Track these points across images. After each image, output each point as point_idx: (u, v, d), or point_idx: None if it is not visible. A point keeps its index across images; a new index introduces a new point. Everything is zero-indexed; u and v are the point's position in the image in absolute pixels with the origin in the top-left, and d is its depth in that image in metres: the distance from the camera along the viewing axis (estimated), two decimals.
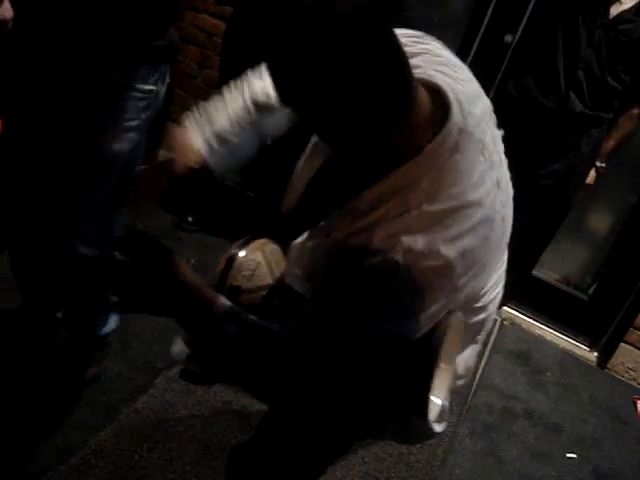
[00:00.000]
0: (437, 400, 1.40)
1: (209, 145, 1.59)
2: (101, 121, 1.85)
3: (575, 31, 2.99)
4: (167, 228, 3.48)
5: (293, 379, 1.30)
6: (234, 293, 1.47)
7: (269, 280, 1.51)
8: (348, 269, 1.23)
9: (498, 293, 1.51)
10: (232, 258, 1.48)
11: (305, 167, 1.49)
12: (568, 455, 3.01)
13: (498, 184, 1.33)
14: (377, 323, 1.22)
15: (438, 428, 1.59)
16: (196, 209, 3.60)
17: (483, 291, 1.40)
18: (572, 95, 3.06)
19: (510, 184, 1.43)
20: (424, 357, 1.30)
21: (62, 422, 2.27)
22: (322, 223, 1.36)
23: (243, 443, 2.41)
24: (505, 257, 1.51)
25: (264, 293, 1.49)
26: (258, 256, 1.51)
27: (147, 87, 1.88)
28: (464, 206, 1.22)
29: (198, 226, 3.58)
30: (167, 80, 1.97)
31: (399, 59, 1.14)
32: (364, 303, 1.21)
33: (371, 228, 1.23)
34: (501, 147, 1.41)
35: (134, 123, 1.92)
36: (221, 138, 1.58)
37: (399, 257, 1.18)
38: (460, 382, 1.62)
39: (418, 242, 1.19)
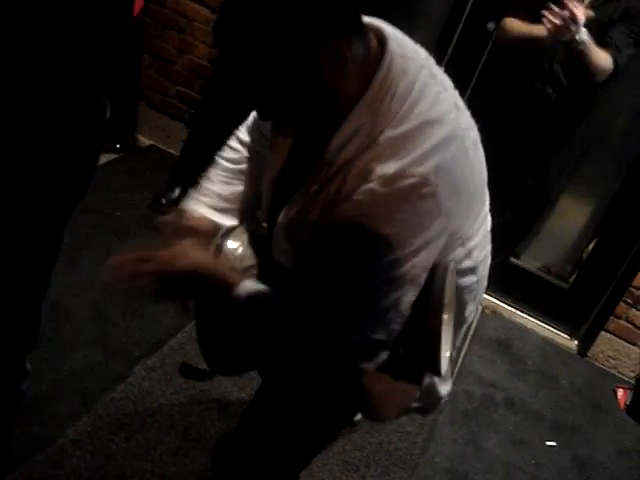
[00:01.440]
0: (446, 352, 1.39)
1: (212, 208, 1.64)
2: None
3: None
4: (145, 216, 3.44)
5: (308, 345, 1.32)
6: None
7: (255, 259, 1.54)
8: (330, 218, 1.24)
9: (487, 256, 1.50)
10: (219, 247, 1.50)
11: (271, 162, 1.50)
12: (548, 443, 3.02)
13: (456, 105, 1.36)
14: (375, 265, 1.22)
15: (444, 390, 1.59)
16: (171, 190, 3.58)
17: (472, 243, 1.38)
18: (549, 89, 3.05)
19: (470, 115, 1.43)
20: (428, 307, 1.29)
21: (39, 411, 2.24)
22: (303, 187, 1.36)
23: (223, 431, 2.40)
24: (488, 213, 1.50)
25: (255, 271, 1.51)
26: (244, 238, 1.55)
27: None
28: (427, 124, 1.24)
29: (173, 207, 3.54)
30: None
31: None
32: (355, 248, 1.22)
33: (345, 168, 1.24)
34: (450, 82, 1.42)
35: None
36: (219, 197, 1.64)
37: (374, 185, 1.19)
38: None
39: (390, 166, 1.20)
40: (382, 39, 1.29)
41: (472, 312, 1.58)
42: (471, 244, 1.38)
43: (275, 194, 1.48)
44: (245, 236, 1.56)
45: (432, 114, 1.26)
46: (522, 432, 3.03)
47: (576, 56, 2.87)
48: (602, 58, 2.90)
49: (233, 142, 1.67)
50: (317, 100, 1.26)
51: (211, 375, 1.84)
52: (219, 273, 1.35)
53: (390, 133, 1.22)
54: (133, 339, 2.66)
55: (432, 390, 1.56)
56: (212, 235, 1.54)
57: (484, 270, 1.51)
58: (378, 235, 1.20)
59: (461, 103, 1.40)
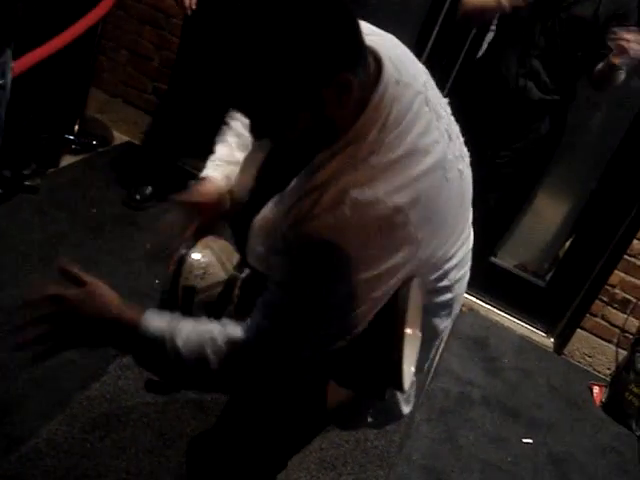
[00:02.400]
0: (410, 368, 1.38)
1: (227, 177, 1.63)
2: None
3: (529, 20, 2.99)
4: (120, 213, 3.42)
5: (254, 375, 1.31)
6: (189, 293, 1.49)
7: (222, 276, 1.52)
8: (298, 233, 1.23)
9: (464, 275, 1.51)
10: (182, 259, 1.50)
11: (252, 156, 1.49)
12: (524, 440, 3.03)
13: (449, 135, 1.35)
14: (336, 285, 1.22)
15: (406, 409, 1.59)
16: (144, 185, 3.56)
17: (448, 265, 1.38)
18: (529, 84, 3.06)
19: (463, 143, 1.44)
20: (390, 324, 1.29)
21: (12, 411, 2.22)
22: (278, 195, 1.35)
23: (199, 430, 2.39)
24: (470, 233, 1.51)
25: (220, 289, 1.49)
26: (207, 254, 1.54)
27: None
28: (411, 154, 1.24)
29: (149, 202, 3.53)
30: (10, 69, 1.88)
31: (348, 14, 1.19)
32: (318, 266, 1.22)
33: (322, 187, 1.24)
34: (447, 107, 1.42)
35: None
36: (234, 162, 1.64)
37: (347, 210, 1.19)
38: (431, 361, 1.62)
39: (365, 193, 1.20)
40: (378, 61, 1.28)
41: (447, 327, 1.59)
42: (448, 266, 1.39)
43: (253, 195, 1.47)
44: (209, 251, 1.54)
45: (419, 144, 1.26)
46: (499, 429, 3.04)
47: (607, 77, 2.96)
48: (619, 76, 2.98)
49: (238, 125, 1.67)
50: (312, 125, 1.24)
51: (177, 389, 1.81)
52: (124, 315, 1.31)
53: (373, 160, 1.22)
54: None
55: (393, 407, 1.56)
56: (219, 208, 1.55)
57: (460, 287, 1.51)
58: (342, 256, 1.20)
59: (455, 130, 1.40)
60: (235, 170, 1.63)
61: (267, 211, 1.37)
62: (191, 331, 1.28)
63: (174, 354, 1.27)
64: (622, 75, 2.91)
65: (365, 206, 1.19)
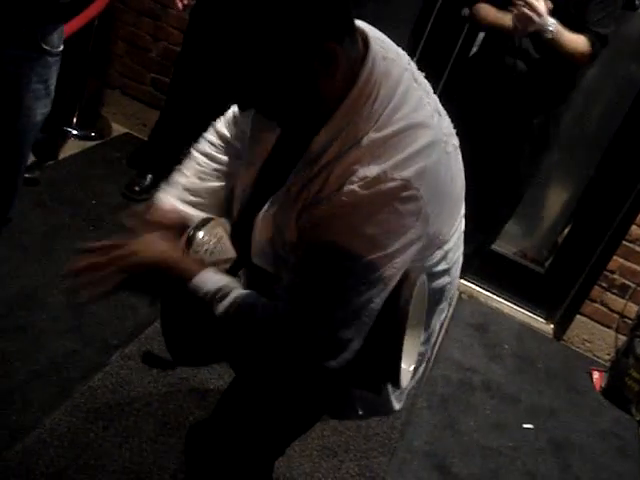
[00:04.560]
0: (409, 365, 1.39)
1: (182, 201, 1.61)
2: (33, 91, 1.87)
3: None
4: (120, 204, 3.42)
5: (279, 348, 1.31)
6: None
7: (232, 253, 1.52)
8: (310, 218, 1.24)
9: (459, 257, 1.51)
10: (192, 236, 1.49)
11: (249, 161, 1.48)
12: (525, 426, 3.05)
13: (438, 111, 1.36)
14: (352, 264, 1.22)
15: (397, 406, 1.60)
16: (144, 177, 3.57)
17: (448, 246, 1.39)
18: (519, 63, 3.04)
19: (450, 122, 1.43)
20: (393, 319, 1.29)
21: (15, 402, 2.23)
22: (282, 188, 1.35)
23: (201, 420, 2.40)
24: (462, 215, 1.50)
25: (227, 266, 1.48)
26: (219, 231, 1.52)
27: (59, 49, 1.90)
28: (410, 127, 1.24)
29: (148, 194, 3.53)
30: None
31: None
32: (333, 247, 1.22)
33: (327, 169, 1.24)
34: (430, 87, 1.42)
35: (52, 87, 1.95)
36: (191, 191, 1.61)
37: (356, 187, 1.20)
38: (430, 351, 1.62)
39: (372, 169, 1.20)
40: (365, 40, 1.28)
41: (444, 313, 1.59)
42: (447, 246, 1.39)
43: (253, 194, 1.47)
44: (221, 228, 1.54)
45: (415, 118, 1.26)
46: (499, 415, 3.05)
47: (548, 46, 2.90)
48: (577, 43, 2.91)
49: (211, 136, 1.63)
50: (303, 97, 1.25)
51: (174, 365, 1.82)
52: (182, 265, 1.35)
53: (373, 136, 1.22)
54: (110, 328, 2.64)
55: (384, 402, 1.56)
56: (180, 229, 1.52)
57: (456, 271, 1.52)
58: (357, 236, 1.20)
59: (442, 108, 1.40)
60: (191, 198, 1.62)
61: (269, 206, 1.37)
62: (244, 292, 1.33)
63: (225, 305, 1.30)
64: (560, 36, 2.88)
65: (374, 182, 1.19)
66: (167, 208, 1.58)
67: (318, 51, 1.18)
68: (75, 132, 3.80)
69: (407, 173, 1.20)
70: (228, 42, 1.20)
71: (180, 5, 3.10)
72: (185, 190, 1.60)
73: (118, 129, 4.11)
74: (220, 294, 1.30)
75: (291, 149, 1.35)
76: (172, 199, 1.59)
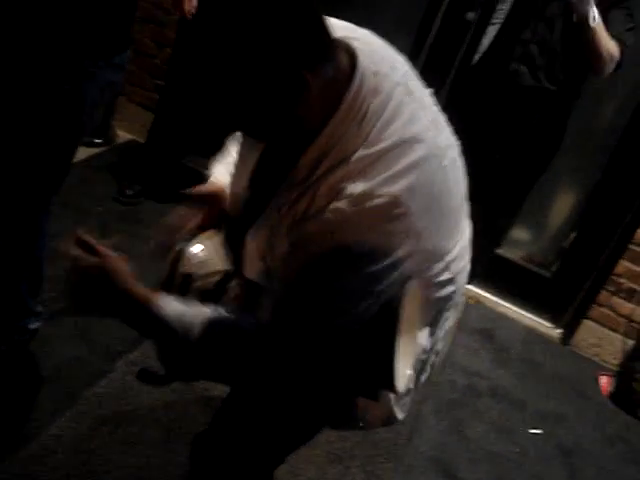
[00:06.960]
0: (405, 369, 1.38)
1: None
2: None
3: (530, 6, 2.99)
4: (125, 210, 3.43)
5: (265, 365, 1.31)
6: (186, 281, 1.49)
7: (222, 266, 1.52)
8: (298, 236, 1.23)
9: (465, 266, 1.49)
10: (182, 249, 1.50)
11: (242, 168, 1.48)
12: (532, 431, 3.03)
13: (435, 123, 1.34)
14: (341, 282, 1.21)
15: (400, 415, 1.59)
16: (136, 181, 3.59)
17: (449, 257, 1.37)
18: (522, 68, 3.04)
19: (452, 133, 1.41)
20: (385, 327, 1.29)
21: (21, 408, 2.23)
22: (271, 205, 1.34)
23: (206, 426, 2.39)
24: (468, 225, 1.50)
25: (217, 278, 1.49)
26: (208, 244, 1.53)
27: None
28: (402, 143, 1.22)
29: (138, 199, 3.55)
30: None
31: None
32: (321, 265, 1.21)
33: (314, 186, 1.23)
34: (431, 98, 1.40)
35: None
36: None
37: (343, 204, 1.18)
38: (434, 358, 1.61)
39: (358, 186, 1.18)
40: (353, 56, 1.26)
41: (450, 320, 1.58)
42: (449, 257, 1.37)
43: (244, 210, 1.47)
44: (213, 240, 1.54)
45: (407, 133, 1.24)
46: (506, 420, 3.04)
47: (586, 39, 2.84)
48: (610, 44, 2.87)
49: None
50: (282, 120, 1.24)
51: (169, 381, 1.82)
52: (142, 291, 1.35)
53: (363, 152, 1.20)
54: (114, 334, 2.64)
55: (388, 412, 1.56)
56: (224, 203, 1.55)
57: (462, 279, 1.50)
58: (345, 254, 1.19)
59: (441, 120, 1.38)
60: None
61: (257, 229, 1.37)
62: (211, 315, 1.31)
63: (190, 332, 1.30)
64: (601, 30, 2.83)
65: (361, 199, 1.17)
66: (219, 184, 1.61)
67: (288, 80, 1.16)
68: None
69: (395, 189, 1.19)
70: (209, 64, 1.21)
71: (188, 10, 3.10)
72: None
73: (124, 136, 4.13)
74: (187, 320, 1.31)
75: (279, 167, 1.33)
76: (226, 174, 1.61)
